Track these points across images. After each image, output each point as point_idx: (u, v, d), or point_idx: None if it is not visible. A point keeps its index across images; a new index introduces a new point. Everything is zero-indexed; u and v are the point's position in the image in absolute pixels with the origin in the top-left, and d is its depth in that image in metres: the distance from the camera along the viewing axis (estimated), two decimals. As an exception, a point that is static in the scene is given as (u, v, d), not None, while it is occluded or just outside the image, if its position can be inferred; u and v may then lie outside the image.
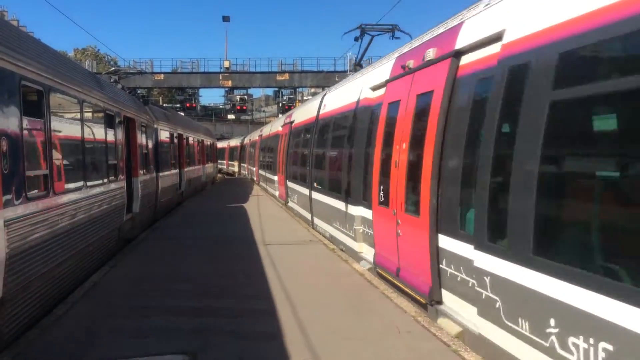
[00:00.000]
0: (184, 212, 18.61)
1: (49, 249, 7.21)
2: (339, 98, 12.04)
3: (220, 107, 75.20)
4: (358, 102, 10.08)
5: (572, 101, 4.13)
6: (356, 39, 14.03)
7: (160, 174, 17.23)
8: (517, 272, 4.49)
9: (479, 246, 5.15)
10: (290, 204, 17.53)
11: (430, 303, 6.50)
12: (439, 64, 6.59)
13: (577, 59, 4.11)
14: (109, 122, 11.24)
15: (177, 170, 21.02)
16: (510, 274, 4.60)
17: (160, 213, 17.46)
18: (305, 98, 75.47)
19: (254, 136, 33.79)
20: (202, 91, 64.40)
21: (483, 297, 5.06)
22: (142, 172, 14.39)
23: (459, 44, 6.20)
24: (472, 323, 5.46)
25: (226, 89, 48.54)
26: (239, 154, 47.48)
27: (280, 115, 38.72)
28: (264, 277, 8.65)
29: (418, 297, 6.93)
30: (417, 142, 6.92)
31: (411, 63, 7.61)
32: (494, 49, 5.37)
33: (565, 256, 4.04)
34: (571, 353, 3.83)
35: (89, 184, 9.28)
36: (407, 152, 7.22)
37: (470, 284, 5.47)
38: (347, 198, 10.28)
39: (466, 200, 5.74)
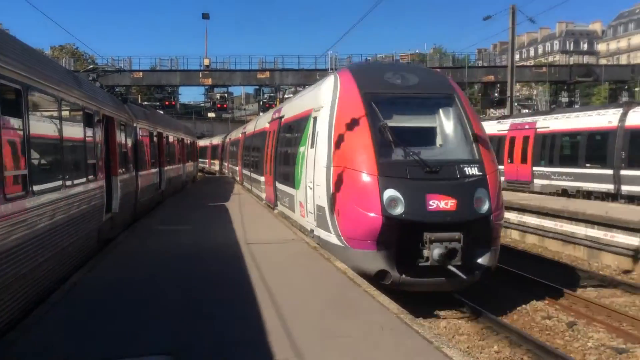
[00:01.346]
0: (164, 212, 18.48)
1: (28, 250, 7.13)
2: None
3: (201, 105, 74.84)
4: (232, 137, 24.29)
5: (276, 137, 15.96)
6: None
7: (140, 173, 17.09)
8: (280, 185, 15.78)
9: (277, 181, 16.23)
10: (280, 208, 16.30)
11: (273, 208, 17.12)
12: (276, 120, 17.47)
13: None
14: (88, 121, 11.12)
15: (157, 169, 20.86)
16: (280, 187, 15.82)
17: (140, 212, 17.33)
18: (286, 96, 75.41)
19: (237, 134, 33.11)
20: (181, 89, 64.04)
21: (279, 198, 16.07)
22: (121, 171, 14.26)
23: (281, 114, 16.99)
24: (279, 207, 16.21)
25: (206, 87, 48.10)
26: (220, 152, 47.41)
27: (261, 114, 38.53)
28: (246, 276, 8.64)
29: (271, 206, 17.74)
30: (268, 148, 18.11)
31: (274, 116, 18.37)
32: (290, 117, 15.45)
33: (281, 179, 15.66)
34: (287, 205, 14.77)
35: (67, 183, 9.18)
36: (271, 151, 17.74)
37: (279, 197, 15.98)
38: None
39: (276, 169, 16.47)
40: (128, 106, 17.40)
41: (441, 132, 10.73)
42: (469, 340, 9.00)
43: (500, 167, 26.90)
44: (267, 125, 19.90)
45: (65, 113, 9.36)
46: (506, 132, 27.40)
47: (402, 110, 10.79)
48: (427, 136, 10.63)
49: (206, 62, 46.58)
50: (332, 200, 10.26)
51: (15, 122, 6.91)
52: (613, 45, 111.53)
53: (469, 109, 10.96)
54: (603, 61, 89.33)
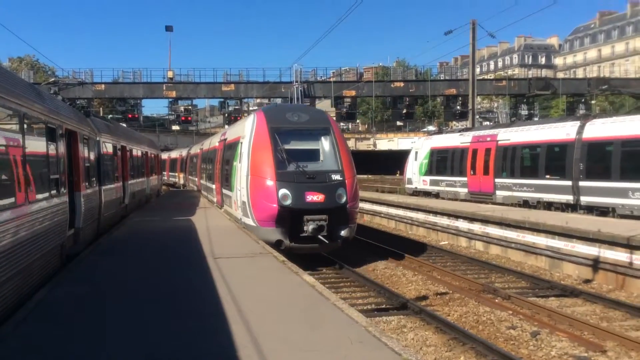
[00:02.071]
0: (129, 226, 18.20)
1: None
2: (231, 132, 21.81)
3: (165, 117, 74.03)
4: (224, 141, 22.07)
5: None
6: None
7: (104, 187, 16.82)
8: (224, 190, 20.07)
9: (222, 187, 20.62)
10: (225, 207, 20.91)
11: (221, 207, 20.97)
12: (222, 141, 21.69)
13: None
14: (51, 135, 10.93)
15: (120, 184, 20.56)
16: (224, 191, 20.27)
17: (103, 227, 17.03)
18: (251, 108, 75.21)
19: (196, 149, 35.88)
20: (145, 102, 63.20)
21: (224, 200, 20.38)
22: (84, 186, 14.02)
23: (225, 136, 21.99)
24: (225, 207, 20.31)
25: (170, 100, 47.63)
26: (185, 165, 47.48)
27: (226, 126, 40.13)
28: (214, 291, 8.58)
29: (219, 207, 21.65)
30: (217, 162, 22.74)
31: (221, 137, 22.46)
32: (230, 139, 20.28)
33: (224, 185, 20.10)
34: (228, 204, 19.41)
35: (30, 199, 8.98)
36: (218, 165, 22.07)
37: (224, 199, 20.32)
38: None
39: (221, 178, 20.93)
40: (91, 120, 17.16)
41: (322, 152, 15.79)
42: (436, 351, 9.12)
43: (464, 178, 27.72)
44: (217, 144, 23.75)
45: (27, 127, 9.18)
46: (468, 144, 27.92)
47: (296, 138, 15.86)
48: (312, 154, 15.72)
49: (170, 74, 46.19)
50: (250, 197, 15.42)
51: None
52: (570, 59, 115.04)
53: (339, 136, 16.32)
54: (560, 75, 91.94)
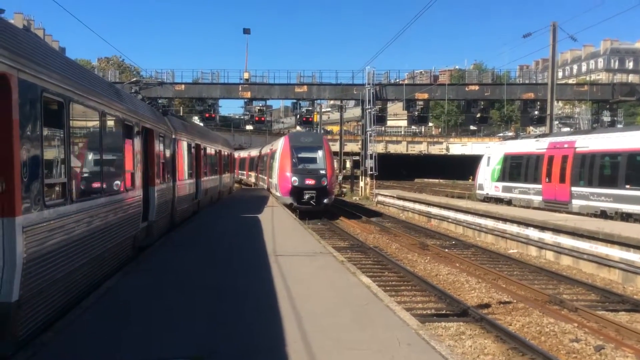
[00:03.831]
0: (200, 221, 18.89)
1: (67, 254, 7.47)
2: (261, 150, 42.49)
3: (239, 117, 76.02)
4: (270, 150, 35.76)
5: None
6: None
7: (177, 183, 17.55)
8: (270, 179, 33.69)
9: (269, 178, 34.31)
10: (270, 189, 33.83)
11: (268, 189, 36.02)
12: (269, 150, 35.60)
13: None
14: (128, 132, 11.56)
15: (193, 180, 21.36)
16: (270, 180, 33.84)
17: (176, 221, 17.77)
18: (324, 110, 75.81)
19: (265, 150, 42.83)
20: (222, 102, 65.11)
21: (270, 185, 34.15)
22: (158, 181, 14.70)
23: (271, 147, 35.95)
24: (270, 190, 34.26)
25: (245, 100, 48.82)
26: (254, 164, 49.47)
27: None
28: (272, 287, 8.83)
29: (265, 187, 37.66)
30: (267, 162, 37.05)
31: (271, 148, 35.40)
32: (271, 150, 35.39)
33: (270, 176, 34.17)
34: (270, 187, 34.10)
35: (105, 192, 9.56)
36: (268, 164, 35.60)
37: (270, 184, 34.23)
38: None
39: (270, 171, 33.88)
40: (168, 118, 17.94)
41: (316, 159, 28.37)
42: (493, 360, 8.95)
43: (538, 186, 26.86)
44: (269, 151, 36.78)
45: (105, 125, 9.78)
46: (544, 150, 27.01)
47: (304, 151, 28.60)
48: (311, 160, 28.42)
49: (246, 75, 47.32)
50: (278, 181, 28.57)
51: (56, 133, 7.30)
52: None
53: (327, 150, 29.11)
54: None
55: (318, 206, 27.26)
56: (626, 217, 21.01)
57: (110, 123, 10.28)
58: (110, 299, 8.15)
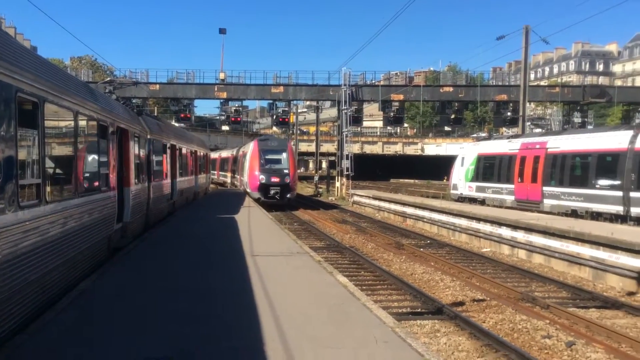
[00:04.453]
0: (175, 222, 18.79)
1: (41, 256, 7.40)
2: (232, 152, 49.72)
3: (215, 118, 75.67)
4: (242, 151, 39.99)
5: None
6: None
7: (152, 183, 17.43)
8: (241, 178, 39.02)
9: (240, 176, 39.10)
10: (239, 186, 39.95)
11: (238, 187, 43.13)
12: (242, 152, 40.64)
13: None
14: (102, 132, 11.46)
15: (169, 180, 21.23)
16: (241, 178, 39.44)
17: (151, 222, 17.65)
18: (300, 111, 75.82)
19: (239, 151, 45.16)
20: (197, 102, 64.75)
21: (241, 182, 39.73)
22: (133, 182, 14.59)
23: (243, 150, 40.23)
24: (239, 187, 42.09)
25: (221, 100, 48.59)
26: (229, 164, 49.83)
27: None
28: (249, 287, 8.85)
29: (237, 185, 44.12)
30: (238, 163, 42.41)
31: (242, 150, 40.84)
32: (243, 152, 39.64)
33: (241, 175, 39.37)
34: (241, 184, 40.32)
35: (79, 193, 9.47)
36: (240, 164, 40.10)
37: (241, 182, 39.94)
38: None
39: (241, 171, 39.07)
40: (143, 118, 17.80)
41: (281, 160, 33.17)
42: (468, 357, 9.09)
43: (511, 186, 27.29)
44: (241, 153, 40.56)
45: (80, 125, 9.68)
46: (517, 151, 27.46)
47: (270, 154, 33.28)
48: (276, 161, 33.08)
49: (222, 76, 47.11)
50: (248, 179, 33.54)
51: (30, 133, 7.23)
52: (629, 67, 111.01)
53: (291, 152, 34.40)
54: (618, 82, 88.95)
55: (282, 200, 32.38)
56: (596, 216, 21.48)
57: (85, 123, 10.19)
58: (85, 300, 8.08)
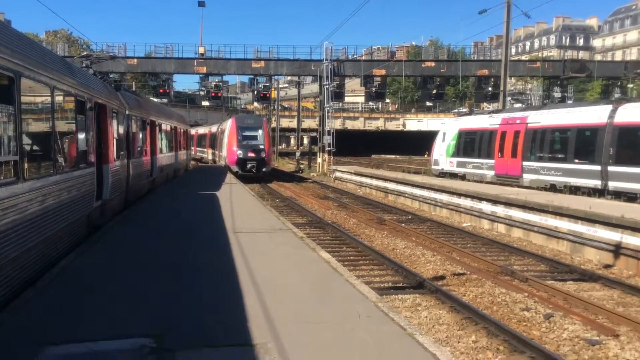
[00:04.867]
0: (156, 199, 18.66)
1: (20, 233, 7.30)
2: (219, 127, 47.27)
3: (195, 93, 74.78)
4: (221, 129, 43.07)
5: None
6: None
7: (132, 160, 17.24)
8: (221, 152, 41.17)
9: (219, 152, 43.00)
10: (219, 161, 42.00)
11: (218, 161, 44.47)
12: (220, 129, 43.30)
13: None
14: (79, 108, 11.26)
15: (148, 157, 21.01)
16: (221, 153, 41.64)
17: (131, 199, 17.50)
18: (281, 86, 75.26)
19: (218, 128, 46.03)
20: (176, 77, 63.91)
21: (221, 157, 41.06)
22: (112, 159, 14.41)
23: (222, 126, 43.21)
24: (219, 161, 43.53)
25: (201, 75, 47.96)
26: (212, 140, 49.35)
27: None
28: (232, 264, 8.85)
29: (217, 160, 44.88)
30: (218, 139, 44.03)
31: (222, 126, 41.85)
32: (222, 129, 42.05)
33: (221, 150, 41.08)
34: (220, 159, 42.23)
35: (57, 170, 9.33)
36: (219, 140, 42.45)
37: (221, 157, 41.51)
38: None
39: (220, 147, 41.24)
40: (121, 94, 17.51)
41: (257, 137, 35.28)
42: (448, 329, 9.23)
43: (491, 161, 27.50)
44: (220, 130, 42.94)
45: (57, 100, 9.49)
46: (497, 126, 27.62)
47: (247, 130, 35.40)
48: (253, 137, 35.10)
49: (201, 50, 46.43)
50: (227, 154, 35.84)
51: (6, 109, 7.06)
52: (609, 41, 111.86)
53: (266, 130, 36.43)
54: (598, 57, 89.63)
55: (258, 173, 34.82)
56: (574, 190, 21.79)
57: (62, 99, 9.99)
58: (65, 278, 8.02)
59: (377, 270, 12.97)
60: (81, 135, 11.33)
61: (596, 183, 20.83)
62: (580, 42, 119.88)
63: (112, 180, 14.22)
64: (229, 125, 36.90)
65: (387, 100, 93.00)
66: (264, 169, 35.14)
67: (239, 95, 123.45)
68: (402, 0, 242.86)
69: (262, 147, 34.90)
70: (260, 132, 35.62)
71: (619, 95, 42.85)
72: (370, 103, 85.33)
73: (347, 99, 69.72)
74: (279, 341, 5.55)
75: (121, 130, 16.05)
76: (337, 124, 61.97)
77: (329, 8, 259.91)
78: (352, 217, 21.57)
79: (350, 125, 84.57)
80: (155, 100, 43.30)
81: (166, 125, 26.07)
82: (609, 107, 21.27)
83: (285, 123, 79.05)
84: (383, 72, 46.34)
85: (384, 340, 5.69)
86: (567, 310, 10.08)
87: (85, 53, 29.96)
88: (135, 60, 45.60)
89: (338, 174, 39.71)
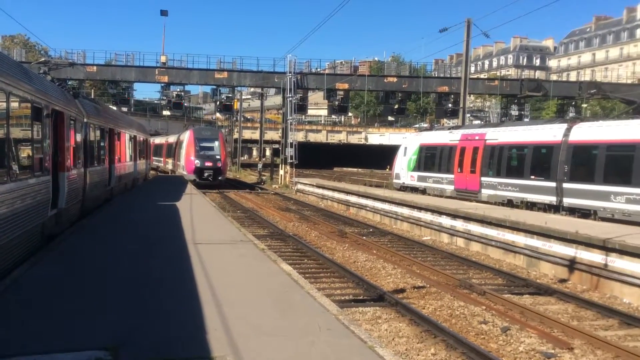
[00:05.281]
0: (113, 209, 18.26)
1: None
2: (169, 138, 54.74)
3: (156, 102, 73.78)
4: (179, 139, 44.56)
5: None
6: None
7: (89, 169, 16.86)
8: (177, 162, 45.61)
9: (176, 161, 45.12)
10: (177, 171, 43.33)
11: (175, 172, 46.33)
12: (180, 139, 44.46)
13: None
14: (36, 115, 10.96)
15: (106, 166, 20.59)
16: (177, 163, 45.30)
17: (87, 209, 17.09)
18: (244, 97, 75.01)
19: (178, 138, 47.66)
20: (137, 86, 62.93)
21: (177, 166, 45.02)
22: (69, 167, 14.06)
23: (180, 138, 45.99)
24: (177, 171, 44.76)
25: (162, 85, 47.37)
26: (170, 150, 50.58)
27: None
28: (191, 276, 8.70)
29: (174, 171, 46.64)
30: (175, 149, 46.45)
31: (180, 137, 45.08)
32: (180, 140, 44.91)
33: (177, 160, 45.46)
34: (178, 168, 44.55)
35: (10, 177, 9.04)
36: (176, 150, 45.43)
37: (177, 166, 45.08)
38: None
39: (176, 156, 45.19)
40: (79, 101, 17.15)
41: (214, 147, 38.67)
42: (407, 342, 9.27)
43: (451, 176, 27.94)
44: (180, 140, 44.01)
45: (12, 106, 9.22)
46: (457, 142, 28.11)
47: (204, 142, 38.74)
48: (210, 148, 38.47)
49: (163, 59, 45.92)
50: (185, 163, 39.22)
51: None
52: (564, 62, 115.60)
53: (222, 141, 40.25)
54: (553, 77, 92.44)
55: (214, 181, 37.77)
56: (531, 205, 22.30)
57: (18, 105, 9.71)
58: (17, 289, 7.74)
59: (338, 283, 12.97)
60: (37, 143, 11.03)
61: (551, 199, 21.37)
62: (537, 62, 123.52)
63: (69, 188, 13.86)
64: (187, 136, 39.82)
65: (350, 114, 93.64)
66: (220, 177, 38.51)
67: (203, 106, 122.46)
68: (365, 17, 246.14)
69: (218, 157, 38.23)
70: (216, 143, 38.90)
71: (573, 115, 44.20)
72: (333, 116, 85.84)
73: (310, 112, 69.86)
74: (239, 354, 5.47)
75: (79, 138, 15.69)
76: (299, 137, 61.98)
77: (293, 21, 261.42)
78: (313, 229, 21.55)
79: (312, 137, 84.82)
80: (114, 108, 42.55)
81: (125, 134, 25.62)
82: (564, 126, 21.91)
83: (247, 134, 78.73)
84: (346, 85, 46.71)
85: (345, 353, 5.66)
86: (524, 324, 10.26)
87: (43, 59, 29.27)
88: (95, 67, 44.78)
89: (300, 186, 39.69)
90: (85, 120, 16.68)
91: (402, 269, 14.66)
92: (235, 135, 70.23)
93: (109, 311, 6.79)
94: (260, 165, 56.73)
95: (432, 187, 29.69)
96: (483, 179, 25.55)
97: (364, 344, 5.88)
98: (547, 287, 13.08)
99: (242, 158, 76.72)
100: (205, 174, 37.41)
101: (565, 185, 20.80)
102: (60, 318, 6.49)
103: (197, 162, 37.39)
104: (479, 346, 8.93)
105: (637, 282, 12.32)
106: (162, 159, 55.99)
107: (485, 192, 25.26)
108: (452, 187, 27.94)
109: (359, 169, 78.05)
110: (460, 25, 35.19)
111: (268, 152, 77.36)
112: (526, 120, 46.06)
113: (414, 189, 31.52)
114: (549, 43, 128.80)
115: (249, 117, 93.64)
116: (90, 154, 17.17)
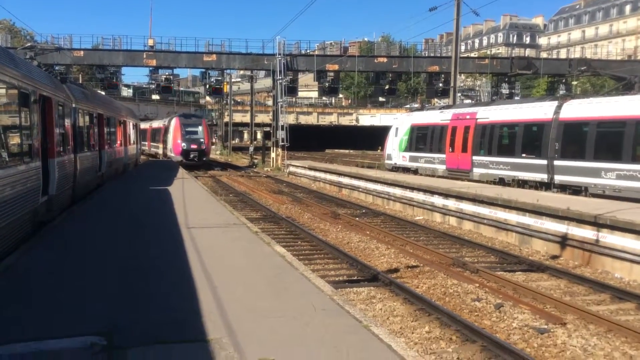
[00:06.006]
0: (104, 194, 18.17)
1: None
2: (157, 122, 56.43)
3: (145, 86, 73.13)
4: (167, 125, 46.80)
5: None
6: None
7: (79, 155, 16.73)
8: (166, 146, 48.12)
9: (164, 146, 48.25)
10: (168, 154, 44.95)
11: (163, 155, 48.62)
12: (167, 124, 47.00)
13: None
14: (23, 101, 10.83)
15: (96, 152, 20.44)
16: (165, 146, 48.58)
17: (78, 195, 16.99)
18: (234, 80, 74.47)
19: (166, 124, 48.91)
20: (125, 70, 62.41)
21: (167, 149, 46.24)
22: (59, 153, 13.94)
23: (168, 123, 48.35)
24: (168, 154, 45.53)
25: (150, 68, 46.87)
26: (159, 135, 50.14)
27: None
28: (185, 261, 8.69)
29: (161, 153, 49.54)
30: (162, 134, 48.98)
31: (166, 123, 48.14)
32: (167, 125, 47.48)
33: (166, 144, 46.22)
34: (165, 152, 47.30)
35: (1, 164, 8.95)
36: (163, 135, 47.82)
37: (166, 149, 46.68)
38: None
39: (165, 141, 47.38)
40: (67, 86, 16.97)
41: (198, 132, 43.31)
42: (402, 321, 9.33)
43: (442, 155, 27.97)
44: (166, 125, 46.80)
45: (-2, 92, 9.09)
46: (448, 121, 28.10)
47: (190, 127, 43.22)
48: (194, 133, 43.01)
49: (150, 42, 45.39)
50: (172, 146, 43.16)
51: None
52: (554, 40, 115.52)
53: (205, 126, 44.83)
54: (543, 54, 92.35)
55: (200, 161, 42.43)
56: (522, 183, 22.40)
57: (5, 91, 9.58)
58: (10, 276, 7.70)
59: (332, 264, 13.00)
60: (25, 129, 10.91)
61: (543, 177, 21.47)
62: (527, 40, 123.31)
63: (59, 175, 13.76)
64: (173, 122, 44.11)
65: (340, 96, 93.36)
66: (204, 158, 43.76)
67: (191, 89, 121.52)
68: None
69: (202, 140, 43.14)
70: (200, 128, 43.88)
71: (564, 92, 44.24)
72: (324, 98, 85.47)
73: (300, 94, 69.61)
74: (234, 336, 5.47)
75: (68, 123, 15.55)
76: (290, 119, 61.76)
77: (282, 1, 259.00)
78: (306, 211, 21.56)
79: (303, 120, 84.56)
80: (103, 93, 42.16)
81: (115, 119, 25.41)
82: (555, 104, 21.94)
83: (238, 117, 78.34)
84: (336, 67, 46.45)
85: (340, 332, 5.69)
86: (517, 300, 10.35)
87: (29, 44, 28.89)
88: (82, 52, 44.23)
89: (292, 169, 39.65)
90: (73, 105, 16.51)
91: (396, 249, 14.71)
92: (226, 119, 69.83)
93: (104, 297, 6.78)
94: (251, 149, 56.54)
95: (424, 167, 29.73)
96: (474, 158, 25.60)
97: (359, 323, 5.91)
98: (540, 263, 13.18)
99: (234, 141, 76.47)
100: (191, 155, 42.23)
101: (556, 162, 20.89)
102: (55, 303, 6.47)
103: (184, 145, 42.07)
104: (472, 323, 9.00)
105: (628, 256, 12.44)
106: (154, 144, 55.80)
107: (477, 171, 25.33)
108: (443, 167, 27.99)
109: (351, 151, 78.02)
110: (450, 4, 34.94)
111: (259, 135, 77.09)
112: (517, 98, 46.09)
113: (405, 170, 31.55)
114: (538, 21, 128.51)
115: (239, 100, 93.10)
116: (80, 140, 17.02)
